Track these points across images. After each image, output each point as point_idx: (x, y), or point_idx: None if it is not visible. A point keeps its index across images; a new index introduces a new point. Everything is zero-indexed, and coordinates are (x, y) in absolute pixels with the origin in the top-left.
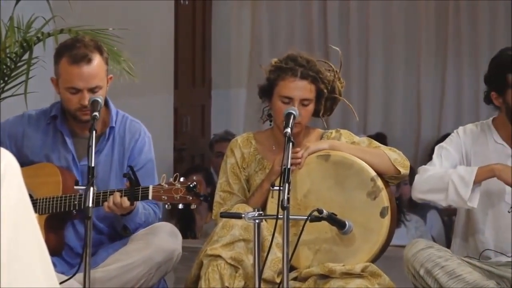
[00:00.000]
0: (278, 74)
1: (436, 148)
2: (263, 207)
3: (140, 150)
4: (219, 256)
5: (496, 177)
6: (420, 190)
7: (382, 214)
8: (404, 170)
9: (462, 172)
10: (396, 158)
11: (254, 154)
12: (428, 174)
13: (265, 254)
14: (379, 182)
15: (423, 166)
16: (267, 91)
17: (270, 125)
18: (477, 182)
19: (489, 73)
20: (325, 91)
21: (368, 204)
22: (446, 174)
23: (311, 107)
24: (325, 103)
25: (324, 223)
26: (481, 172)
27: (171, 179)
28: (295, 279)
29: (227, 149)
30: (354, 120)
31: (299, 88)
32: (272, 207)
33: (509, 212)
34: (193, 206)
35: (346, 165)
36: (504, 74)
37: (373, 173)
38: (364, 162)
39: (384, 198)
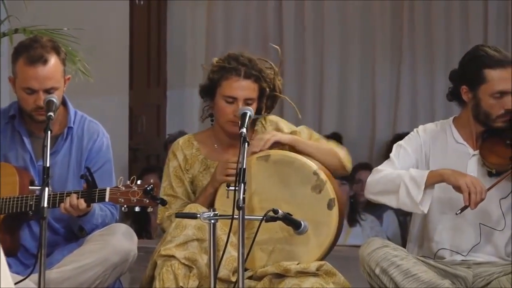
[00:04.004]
0: (221, 74)
1: (394, 146)
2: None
3: (98, 151)
4: (173, 256)
5: (445, 181)
6: (372, 192)
7: (330, 206)
8: (350, 167)
9: (414, 174)
10: (344, 156)
11: (196, 155)
12: (380, 175)
13: (220, 253)
14: (322, 175)
15: (376, 167)
16: (209, 91)
17: (212, 124)
18: (428, 186)
19: (461, 68)
20: (267, 89)
21: (314, 198)
22: (399, 176)
23: (254, 106)
24: (267, 101)
25: (274, 223)
26: (431, 175)
27: (128, 182)
28: (250, 278)
29: (169, 152)
30: (309, 119)
31: (243, 88)
32: (219, 204)
33: (457, 214)
34: (149, 209)
35: (287, 163)
36: (480, 69)
37: (315, 167)
38: (304, 157)
39: (329, 190)
